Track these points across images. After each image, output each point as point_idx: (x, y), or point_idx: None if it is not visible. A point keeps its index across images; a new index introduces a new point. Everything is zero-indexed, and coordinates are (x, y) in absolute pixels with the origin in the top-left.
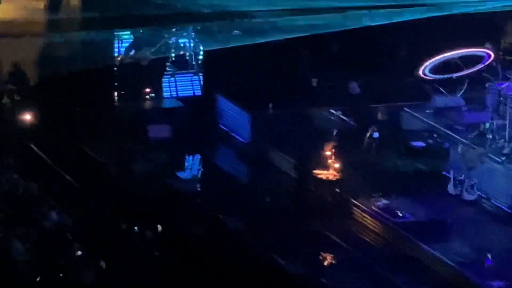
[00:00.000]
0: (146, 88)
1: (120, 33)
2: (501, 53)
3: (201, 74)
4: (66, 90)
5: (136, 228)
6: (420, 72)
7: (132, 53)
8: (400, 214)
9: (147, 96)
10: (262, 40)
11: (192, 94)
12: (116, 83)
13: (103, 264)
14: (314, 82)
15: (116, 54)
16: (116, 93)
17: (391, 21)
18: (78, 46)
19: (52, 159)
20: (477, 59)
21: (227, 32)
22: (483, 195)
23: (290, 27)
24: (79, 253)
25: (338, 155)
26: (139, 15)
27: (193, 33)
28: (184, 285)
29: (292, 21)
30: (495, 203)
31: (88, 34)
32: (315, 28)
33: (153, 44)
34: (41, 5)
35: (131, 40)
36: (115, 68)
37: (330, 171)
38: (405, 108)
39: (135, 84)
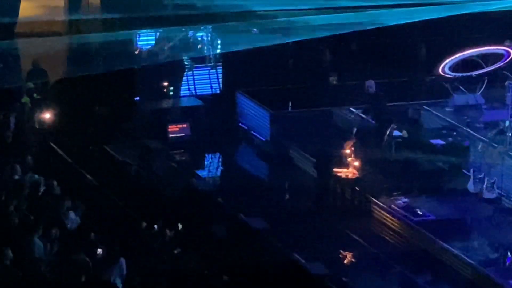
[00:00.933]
0: (165, 87)
1: (141, 32)
2: None
3: (221, 72)
4: (85, 88)
5: (156, 227)
6: (440, 70)
7: (152, 52)
8: (420, 213)
9: (167, 94)
10: (288, 40)
11: (211, 92)
12: (135, 82)
13: (123, 263)
14: (334, 80)
15: (135, 53)
16: (136, 92)
17: (412, 20)
18: (97, 45)
19: (72, 158)
20: (496, 57)
21: (248, 32)
22: (503, 193)
23: (310, 27)
24: (101, 252)
25: (358, 153)
26: (158, 16)
27: (213, 33)
28: (205, 284)
29: (313, 21)
30: None
31: (108, 33)
32: (337, 28)
33: (172, 43)
34: (61, 3)
35: (152, 39)
36: (135, 67)
37: (350, 169)
38: (424, 107)
39: (155, 83)
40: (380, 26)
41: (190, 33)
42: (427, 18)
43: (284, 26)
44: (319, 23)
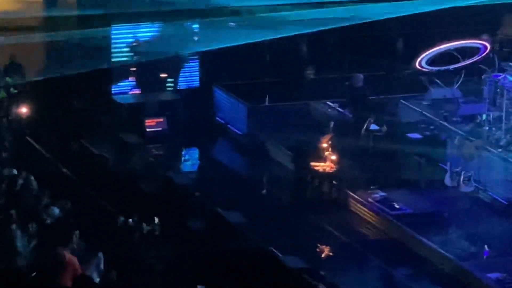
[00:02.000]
0: (143, 81)
1: (120, 28)
2: (497, 45)
3: (198, 66)
4: (62, 83)
5: (133, 221)
6: (417, 64)
7: (130, 47)
8: (397, 206)
9: (144, 89)
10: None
11: (188, 87)
12: (113, 77)
13: (102, 257)
14: (311, 74)
15: (114, 49)
16: (113, 87)
17: (395, 15)
18: (76, 41)
19: (50, 153)
20: (473, 50)
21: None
22: (480, 187)
23: (292, 22)
24: (80, 247)
25: (335, 147)
26: (140, 11)
27: (193, 28)
28: (183, 279)
29: (304, 15)
30: (492, 194)
31: (86, 30)
32: (320, 23)
33: (151, 37)
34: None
35: (130, 34)
36: (113, 62)
37: (327, 163)
38: (401, 100)
39: (132, 77)
40: (363, 21)
41: (170, 28)
42: (411, 13)
43: (268, 22)
44: (301, 18)
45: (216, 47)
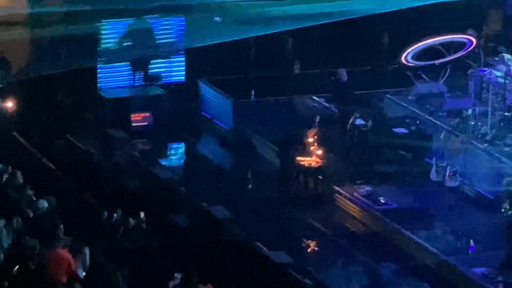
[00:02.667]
0: (128, 76)
1: (104, 23)
2: (483, 40)
3: (183, 61)
4: (48, 78)
5: (118, 216)
6: (403, 59)
7: (115, 41)
8: (383, 201)
9: (129, 84)
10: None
11: (174, 81)
12: (98, 71)
13: (87, 251)
14: (297, 69)
15: (99, 44)
16: (98, 81)
17: (383, 11)
18: (60, 35)
19: (34, 147)
20: (459, 45)
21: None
22: (465, 182)
23: (279, 17)
24: (66, 242)
25: (320, 142)
26: (123, 8)
27: (178, 23)
28: (168, 273)
29: (283, 12)
30: (478, 189)
31: (70, 26)
32: (308, 19)
33: (136, 32)
34: None
35: (115, 29)
36: (98, 57)
37: (312, 158)
38: (387, 95)
39: (118, 72)
40: (351, 16)
41: (155, 23)
42: (398, 8)
43: (255, 17)
44: (289, 13)
45: (203, 44)
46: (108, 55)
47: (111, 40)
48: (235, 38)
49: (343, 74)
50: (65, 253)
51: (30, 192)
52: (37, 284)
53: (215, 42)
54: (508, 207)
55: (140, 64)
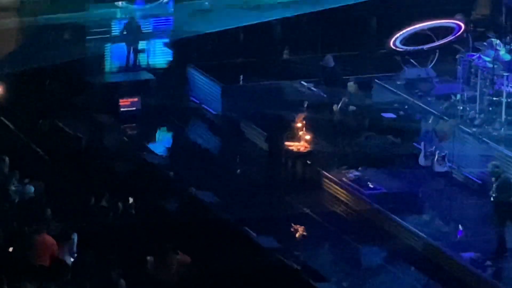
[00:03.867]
0: (117, 61)
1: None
2: (471, 25)
3: (172, 46)
4: (36, 62)
5: (108, 202)
6: (391, 44)
7: (104, 27)
8: (371, 186)
9: (118, 68)
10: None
11: (163, 66)
12: (86, 57)
13: (75, 237)
14: (285, 54)
15: (87, 29)
16: (87, 66)
17: None
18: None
19: (23, 132)
20: (448, 30)
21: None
22: (454, 166)
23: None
24: (53, 227)
25: (309, 127)
26: None
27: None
28: (156, 259)
29: None
30: (466, 174)
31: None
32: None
33: (125, 18)
34: None
35: (103, 14)
36: (86, 42)
37: (301, 142)
38: (376, 80)
39: (107, 57)
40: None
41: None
42: None
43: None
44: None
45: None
46: (96, 42)
47: (101, 28)
48: (228, 27)
49: (330, 60)
50: (50, 238)
51: (17, 177)
52: (21, 268)
53: (206, 30)
54: (494, 190)
55: (128, 49)
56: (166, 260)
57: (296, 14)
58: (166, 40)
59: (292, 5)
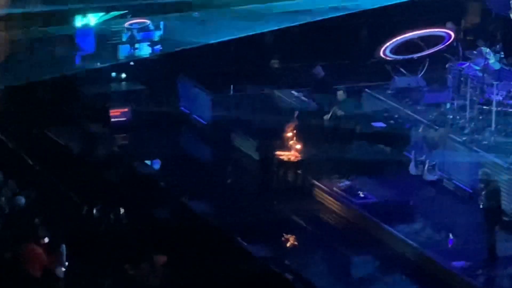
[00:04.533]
0: (107, 71)
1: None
2: (461, 34)
3: (162, 56)
4: (27, 73)
5: (98, 211)
6: (381, 53)
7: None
8: (362, 195)
9: (108, 79)
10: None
11: (153, 76)
12: (77, 66)
13: (63, 249)
14: (276, 64)
15: (78, 39)
16: (78, 76)
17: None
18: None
19: (13, 142)
20: (437, 39)
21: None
22: (444, 175)
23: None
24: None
25: (300, 136)
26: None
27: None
28: (148, 268)
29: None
30: (457, 183)
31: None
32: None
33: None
34: None
35: (97, 24)
36: (77, 52)
37: (292, 152)
38: (366, 89)
39: (98, 67)
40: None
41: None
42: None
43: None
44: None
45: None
46: (89, 56)
47: (94, 41)
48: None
49: (319, 70)
50: (39, 249)
51: (8, 187)
52: (11, 279)
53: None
54: (484, 199)
55: (119, 59)
56: (150, 266)
57: (290, 25)
58: (157, 50)
59: (286, 16)
